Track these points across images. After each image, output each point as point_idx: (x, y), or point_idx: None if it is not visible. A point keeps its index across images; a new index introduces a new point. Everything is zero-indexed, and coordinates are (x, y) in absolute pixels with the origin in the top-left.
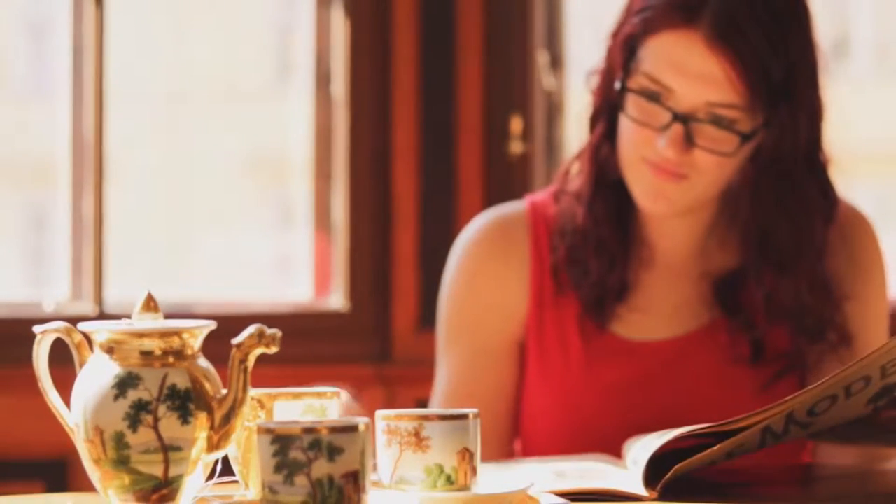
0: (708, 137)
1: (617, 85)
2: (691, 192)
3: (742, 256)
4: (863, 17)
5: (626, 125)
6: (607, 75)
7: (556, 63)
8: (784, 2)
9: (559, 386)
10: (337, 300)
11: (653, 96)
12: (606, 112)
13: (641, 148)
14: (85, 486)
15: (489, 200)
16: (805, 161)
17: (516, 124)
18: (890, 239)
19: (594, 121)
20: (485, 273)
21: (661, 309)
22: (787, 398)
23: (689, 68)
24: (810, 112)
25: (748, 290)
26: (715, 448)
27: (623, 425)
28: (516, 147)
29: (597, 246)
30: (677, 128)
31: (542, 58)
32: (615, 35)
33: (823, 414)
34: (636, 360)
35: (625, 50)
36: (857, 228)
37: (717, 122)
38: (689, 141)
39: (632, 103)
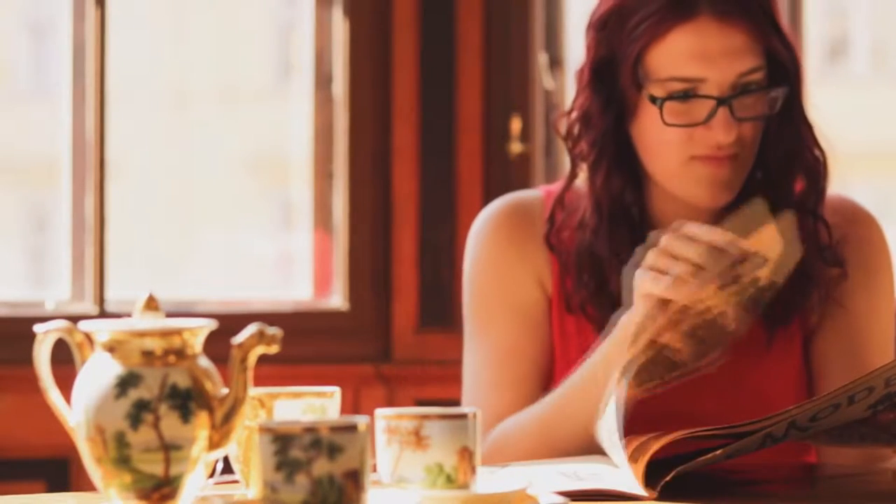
0: (746, 108)
1: (649, 99)
2: (743, 169)
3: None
4: (861, 18)
5: (662, 135)
6: (607, 105)
7: (556, 63)
8: None
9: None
10: (337, 300)
11: (686, 94)
12: (610, 140)
13: (688, 148)
14: (86, 485)
15: (489, 200)
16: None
17: (516, 124)
18: (889, 236)
19: (599, 155)
20: (511, 247)
21: None
22: (792, 408)
23: (713, 51)
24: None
25: None
26: (718, 452)
27: (642, 410)
28: (516, 147)
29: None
30: (723, 111)
31: (542, 58)
32: (595, 63)
33: (824, 419)
34: None
35: (634, 70)
36: (861, 225)
37: (749, 89)
38: (735, 119)
39: (667, 111)
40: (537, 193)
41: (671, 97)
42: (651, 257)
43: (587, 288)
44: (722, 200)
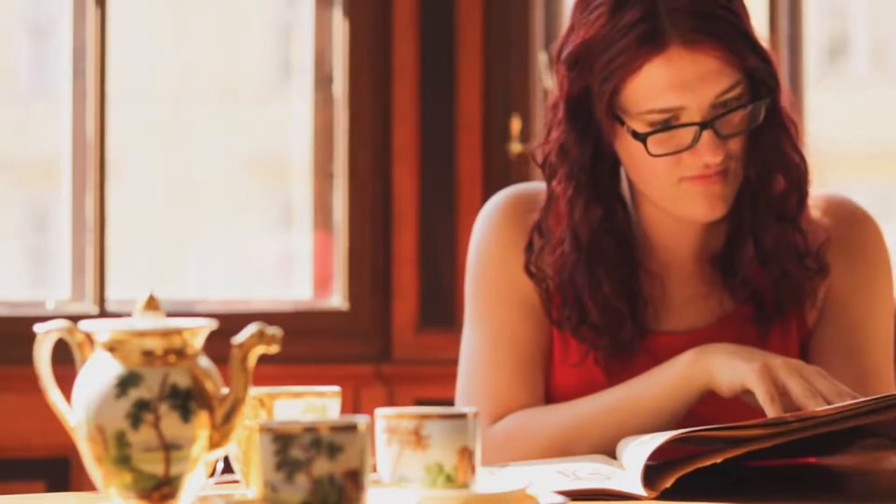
0: (731, 124)
1: (631, 136)
2: (735, 180)
3: (734, 220)
4: (861, 18)
5: (649, 163)
6: (583, 137)
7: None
8: None
9: (580, 368)
10: (337, 300)
11: (668, 125)
12: (585, 170)
13: (677, 171)
14: (86, 485)
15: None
16: (779, 103)
17: (516, 124)
18: (888, 237)
19: (577, 188)
20: (515, 235)
21: (678, 305)
22: (795, 432)
23: (688, 79)
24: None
25: (741, 252)
26: (717, 461)
27: None
28: (516, 147)
29: (603, 307)
30: (707, 134)
31: (542, 58)
32: (569, 98)
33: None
34: (659, 351)
35: (609, 106)
36: (859, 226)
37: (729, 108)
38: (720, 138)
39: (651, 143)
40: (544, 186)
41: (654, 131)
42: (784, 371)
43: (569, 321)
44: (718, 213)
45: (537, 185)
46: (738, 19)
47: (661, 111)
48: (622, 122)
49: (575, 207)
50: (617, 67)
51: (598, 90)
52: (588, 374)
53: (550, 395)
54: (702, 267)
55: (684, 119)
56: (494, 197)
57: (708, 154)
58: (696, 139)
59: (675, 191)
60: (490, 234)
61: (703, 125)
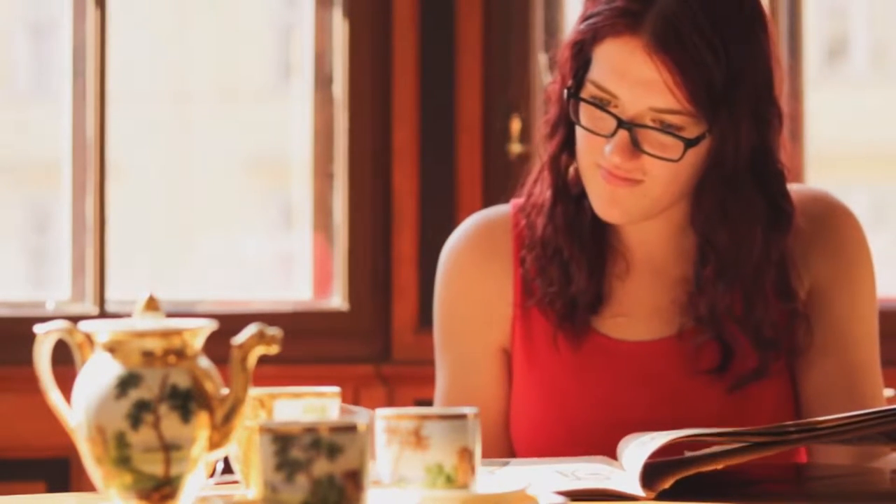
0: (655, 143)
1: (565, 94)
2: (646, 198)
3: (704, 258)
4: (861, 18)
5: (580, 133)
6: (562, 84)
7: (556, 64)
8: (730, 9)
9: (550, 386)
10: (337, 300)
11: (600, 104)
12: (564, 121)
13: (594, 154)
14: (86, 485)
15: (489, 200)
16: (750, 170)
17: (516, 124)
18: (887, 237)
19: (553, 131)
20: (466, 281)
21: (642, 311)
22: (795, 441)
23: (631, 75)
24: (757, 120)
25: (705, 280)
26: (718, 466)
27: (611, 425)
28: (516, 147)
29: (553, 256)
30: (623, 134)
31: (542, 58)
32: (571, 43)
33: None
34: (622, 360)
35: (575, 58)
36: (836, 223)
37: (663, 128)
38: (635, 147)
39: (583, 111)
40: (506, 210)
41: (587, 100)
42: None
43: (525, 264)
44: (613, 218)
45: (499, 210)
46: (716, 69)
47: (601, 88)
48: (575, 79)
49: (552, 143)
50: (592, 26)
51: (573, 39)
52: (557, 388)
53: (520, 421)
54: (664, 280)
55: (615, 110)
56: (452, 236)
57: (614, 153)
58: (613, 133)
59: (590, 173)
60: (444, 283)
61: (623, 123)
